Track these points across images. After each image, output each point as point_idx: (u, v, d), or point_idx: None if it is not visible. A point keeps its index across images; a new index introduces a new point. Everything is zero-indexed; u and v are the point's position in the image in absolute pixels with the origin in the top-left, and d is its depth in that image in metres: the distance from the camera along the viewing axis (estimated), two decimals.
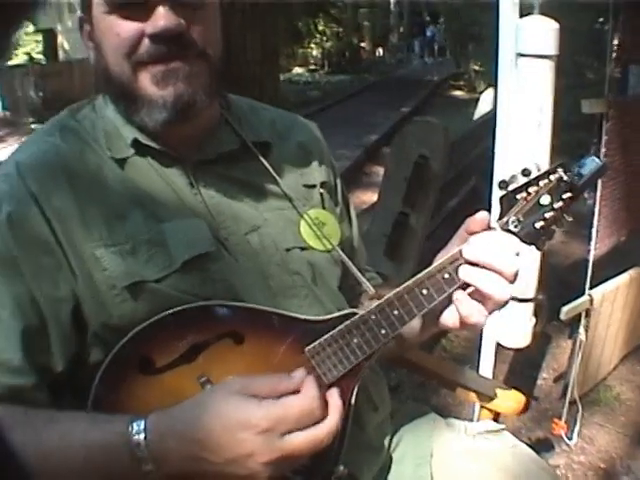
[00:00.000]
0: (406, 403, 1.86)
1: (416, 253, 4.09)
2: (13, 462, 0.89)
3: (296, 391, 1.12)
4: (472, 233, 1.28)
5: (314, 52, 31.44)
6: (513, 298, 2.65)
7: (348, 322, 1.25)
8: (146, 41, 1.27)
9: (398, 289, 1.26)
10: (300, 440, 1.08)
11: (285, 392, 1.11)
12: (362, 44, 34.98)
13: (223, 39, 1.42)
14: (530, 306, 2.74)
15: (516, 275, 1.25)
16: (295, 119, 1.70)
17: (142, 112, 1.32)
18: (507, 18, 2.55)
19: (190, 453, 1.08)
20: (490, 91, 5.79)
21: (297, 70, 29.18)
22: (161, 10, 1.25)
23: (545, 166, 1.32)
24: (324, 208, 1.55)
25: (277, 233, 1.44)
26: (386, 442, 1.59)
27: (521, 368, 3.93)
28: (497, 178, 2.58)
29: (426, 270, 1.27)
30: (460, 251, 1.26)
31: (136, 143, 1.37)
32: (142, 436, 1.09)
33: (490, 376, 2.85)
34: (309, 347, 1.24)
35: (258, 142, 1.50)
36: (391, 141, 10.07)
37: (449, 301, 1.30)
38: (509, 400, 1.83)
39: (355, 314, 1.27)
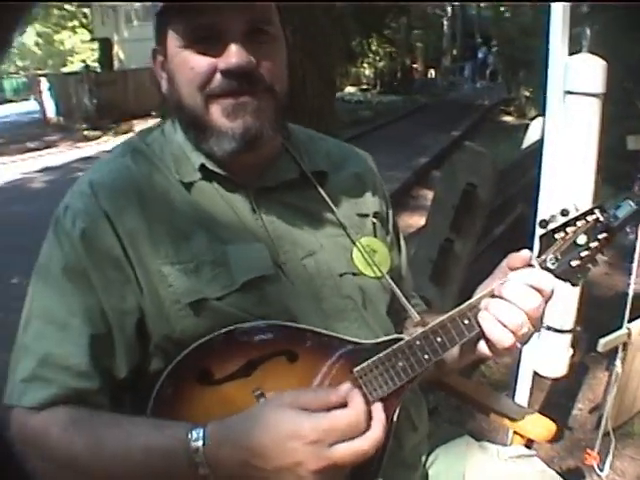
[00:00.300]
0: (442, 425, 1.92)
1: (460, 279, 4.11)
2: (13, 462, 0.96)
3: (343, 404, 1.19)
4: (513, 268, 1.36)
5: (367, 71, 31.46)
6: (551, 329, 2.73)
7: (395, 346, 1.32)
8: (218, 76, 1.37)
9: (442, 318, 1.34)
10: (346, 450, 1.14)
11: (332, 405, 1.18)
12: (414, 65, 34.90)
13: (288, 74, 1.52)
14: (568, 337, 2.78)
15: (540, 314, 1.35)
16: (351, 150, 1.79)
17: (211, 141, 1.42)
18: (556, 56, 2.61)
19: (244, 461, 1.16)
20: (539, 119, 5.82)
21: (349, 89, 29.20)
22: (233, 48, 1.35)
23: (587, 204, 1.39)
24: (376, 237, 1.63)
25: (331, 259, 1.53)
26: (422, 461, 1.66)
27: (557, 397, 3.93)
28: (541, 211, 2.65)
29: (468, 302, 1.36)
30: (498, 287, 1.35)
31: (203, 168, 1.47)
32: (200, 443, 1.17)
33: (525, 403, 2.89)
34: (357, 368, 1.31)
35: (316, 171, 1.59)
36: (440, 164, 10.07)
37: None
38: (540, 427, 1.88)
39: (401, 339, 1.34)
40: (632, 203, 1.37)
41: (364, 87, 30.82)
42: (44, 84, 29.14)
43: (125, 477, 1.26)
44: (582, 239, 1.37)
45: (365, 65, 30.18)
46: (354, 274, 1.54)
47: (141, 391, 1.36)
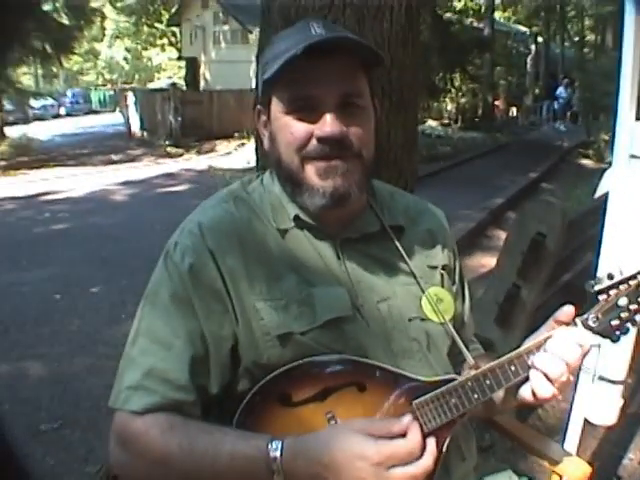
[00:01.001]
0: (489, 460, 2.09)
1: (524, 324, 4.15)
2: (14, 462, 1.05)
3: (403, 434, 1.37)
4: (559, 322, 1.54)
5: (448, 106, 31.36)
6: (604, 379, 2.82)
7: (449, 385, 1.51)
8: (314, 141, 1.59)
9: (492, 364, 1.52)
10: (401, 474, 1.33)
11: (395, 435, 1.37)
12: (496, 102, 34.55)
13: (375, 139, 1.72)
14: (619, 387, 2.85)
15: (578, 365, 1.52)
16: (426, 207, 1.97)
17: (305, 196, 1.63)
18: (624, 119, 2.73)
19: (315, 472, 1.35)
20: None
21: (431, 123, 29.15)
22: (328, 117, 1.58)
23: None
24: (443, 287, 1.80)
25: (403, 305, 1.71)
26: None
27: (609, 446, 3.95)
28: (601, 269, 2.76)
29: (516, 351, 1.53)
30: (545, 341, 1.53)
31: (297, 218, 1.68)
32: (278, 453, 1.37)
33: (575, 447, 2.98)
34: (416, 401, 1.49)
35: (394, 225, 1.79)
36: (516, 206, 10.04)
37: (524, 381, 1.55)
38: (574, 467, 1.99)
39: (455, 379, 1.53)
40: None
41: (445, 122, 30.72)
42: (130, 98, 29.71)
43: (211, 478, 1.46)
44: (623, 301, 1.52)
45: (447, 100, 30.01)
46: (422, 319, 1.72)
47: (229, 406, 1.58)
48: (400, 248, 1.76)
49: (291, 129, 1.61)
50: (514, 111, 37.23)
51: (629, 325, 1.54)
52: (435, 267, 1.83)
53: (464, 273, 2.00)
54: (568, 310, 1.55)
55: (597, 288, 1.54)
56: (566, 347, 1.50)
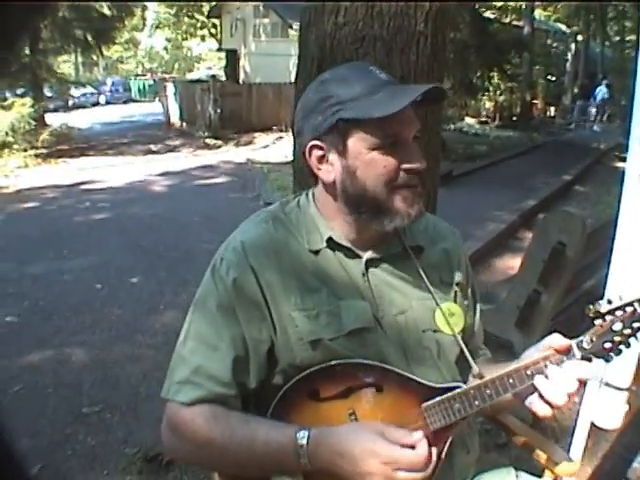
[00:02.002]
0: (490, 453, 2.29)
1: (542, 329, 4.31)
2: (14, 462, 1.07)
3: (412, 446, 1.58)
4: (553, 346, 1.69)
5: (486, 105, 31.17)
6: (610, 385, 2.95)
7: (454, 392, 1.71)
8: (402, 173, 1.79)
9: (493, 376, 1.70)
10: (405, 477, 1.54)
11: (406, 444, 1.57)
12: (534, 101, 34.15)
13: None
14: (624, 394, 2.97)
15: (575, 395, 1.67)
16: (444, 227, 2.16)
17: (385, 220, 1.83)
18: (636, 139, 2.85)
19: (333, 460, 1.58)
20: None
21: (468, 120, 29.11)
22: (414, 152, 1.80)
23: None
24: (455, 302, 2.00)
25: (418, 317, 1.91)
26: None
27: (621, 449, 4.05)
28: (610, 287, 2.93)
29: (515, 366, 1.70)
30: (546, 365, 1.68)
31: (329, 240, 1.89)
32: (304, 441, 1.61)
33: (581, 448, 3.12)
34: (424, 404, 1.70)
35: (414, 246, 1.99)
36: (548, 209, 10.00)
37: (531, 390, 1.71)
38: (565, 465, 2.17)
39: (460, 387, 1.72)
40: None
41: (483, 119, 30.57)
42: (170, 89, 29.52)
43: (247, 460, 1.69)
44: (617, 326, 1.63)
45: (485, 98, 29.75)
46: (434, 331, 1.92)
47: (265, 398, 1.81)
48: (419, 266, 1.95)
49: (383, 163, 1.77)
50: (552, 110, 36.75)
51: (622, 347, 1.66)
52: (449, 284, 2.02)
53: (476, 288, 2.19)
54: (563, 339, 1.69)
55: (594, 313, 1.67)
56: (567, 380, 1.64)
